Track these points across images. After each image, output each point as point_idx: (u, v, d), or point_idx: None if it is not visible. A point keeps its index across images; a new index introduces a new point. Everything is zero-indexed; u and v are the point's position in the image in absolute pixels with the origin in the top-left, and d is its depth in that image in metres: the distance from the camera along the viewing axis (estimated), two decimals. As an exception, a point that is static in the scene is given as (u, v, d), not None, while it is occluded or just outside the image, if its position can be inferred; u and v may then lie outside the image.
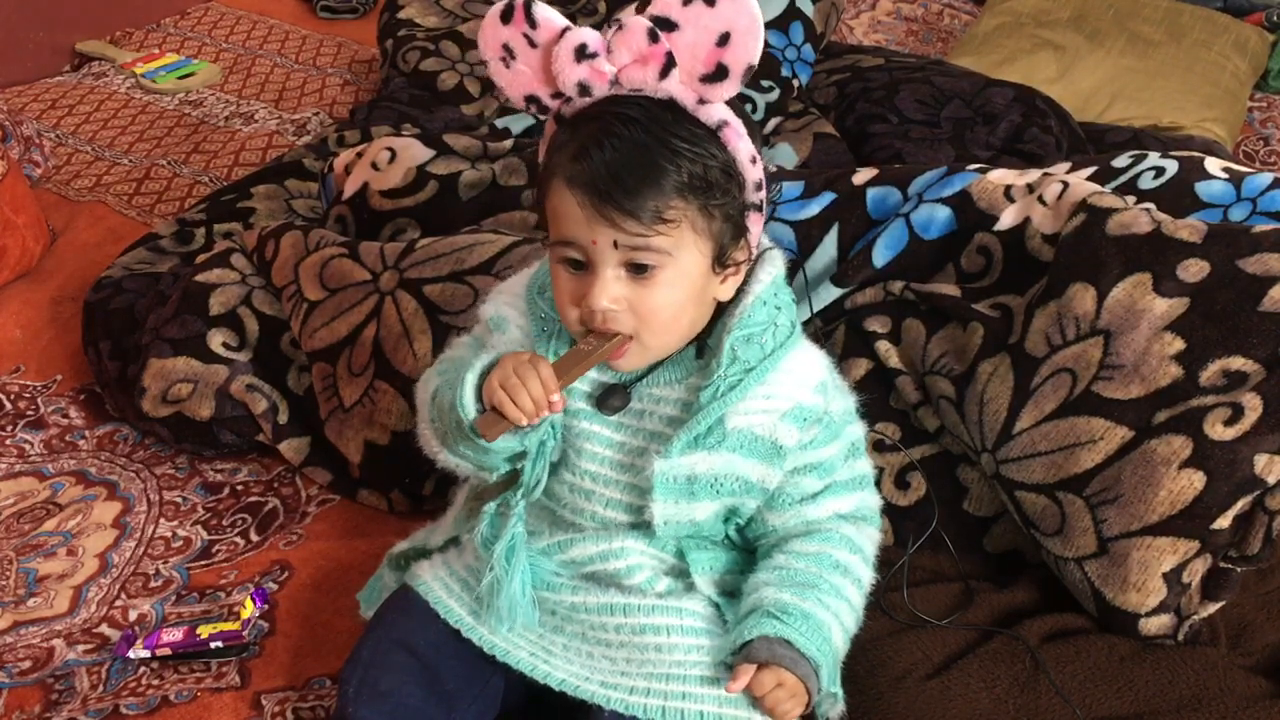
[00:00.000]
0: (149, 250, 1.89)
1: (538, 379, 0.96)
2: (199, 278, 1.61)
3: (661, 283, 0.94)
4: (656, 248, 0.92)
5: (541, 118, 0.99)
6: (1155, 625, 1.22)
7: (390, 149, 1.73)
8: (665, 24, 0.90)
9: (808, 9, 2.30)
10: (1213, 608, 1.22)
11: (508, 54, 0.95)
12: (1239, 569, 1.22)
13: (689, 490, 1.01)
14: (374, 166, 1.72)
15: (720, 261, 0.97)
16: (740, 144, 0.94)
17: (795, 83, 2.24)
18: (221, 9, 3.08)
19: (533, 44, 0.94)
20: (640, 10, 0.94)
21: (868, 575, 1.08)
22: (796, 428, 1.02)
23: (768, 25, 2.25)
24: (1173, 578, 1.19)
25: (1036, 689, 1.17)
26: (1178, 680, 1.18)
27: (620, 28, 0.91)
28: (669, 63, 0.90)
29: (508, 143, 1.80)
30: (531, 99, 0.97)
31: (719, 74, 0.91)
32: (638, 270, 0.93)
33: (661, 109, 0.92)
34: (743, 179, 0.95)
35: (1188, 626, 1.22)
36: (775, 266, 1.03)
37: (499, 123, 2.18)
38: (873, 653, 1.18)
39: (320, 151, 2.13)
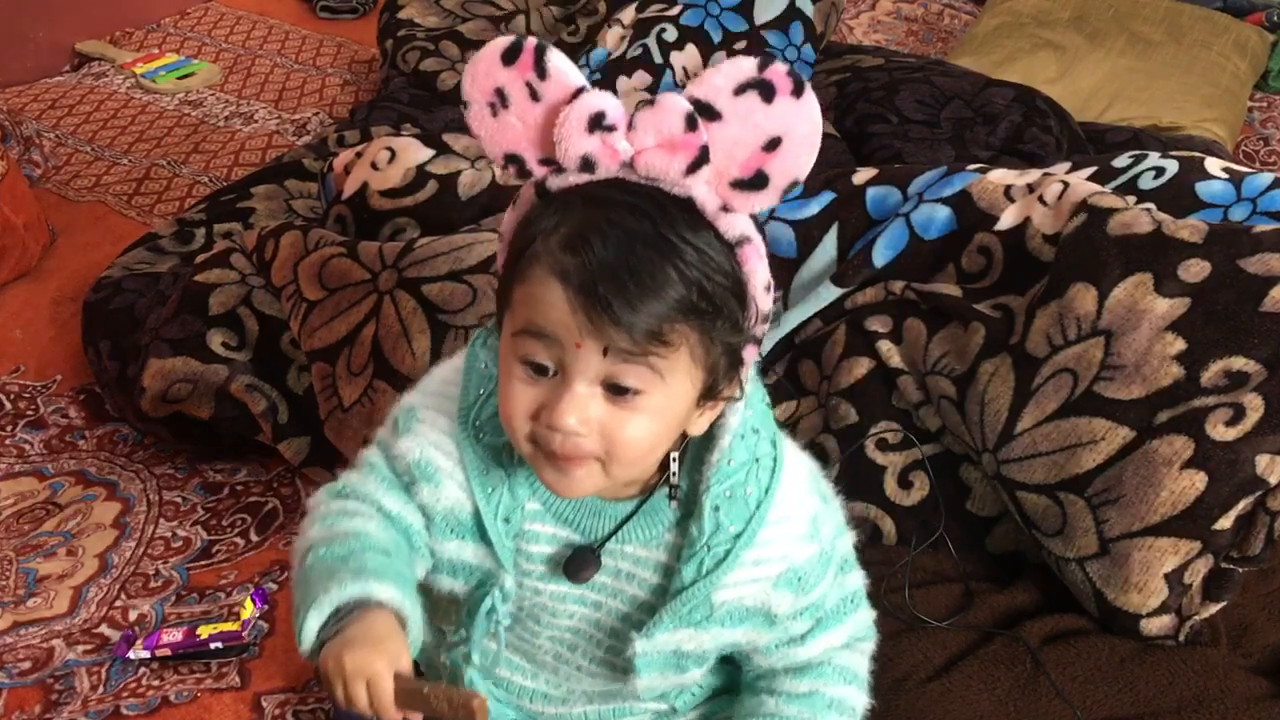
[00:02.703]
0: (149, 250, 1.89)
1: (367, 702, 0.78)
2: (199, 278, 1.61)
3: (643, 409, 0.78)
4: (650, 367, 0.76)
5: (515, 181, 0.83)
6: (1156, 626, 1.21)
7: (390, 149, 1.73)
8: (707, 111, 0.75)
9: (808, 9, 2.30)
10: (1214, 608, 1.22)
11: (499, 100, 0.79)
12: (1240, 569, 1.22)
13: (675, 663, 0.92)
14: (373, 166, 1.72)
15: (709, 394, 0.81)
16: (758, 266, 0.79)
17: (795, 83, 2.23)
18: (221, 9, 3.08)
19: (535, 96, 0.78)
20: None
21: (863, 701, 0.97)
22: (790, 592, 0.89)
23: (768, 26, 2.26)
24: (1174, 578, 1.19)
25: (1037, 690, 1.17)
26: (1178, 681, 1.18)
27: (652, 104, 0.76)
28: (701, 158, 0.75)
29: (508, 143, 1.79)
30: (513, 159, 0.80)
31: (756, 182, 0.76)
32: (617, 391, 0.77)
33: (677, 208, 0.76)
34: (754, 308, 0.80)
35: (1189, 627, 1.22)
36: (750, 383, 0.86)
37: (499, 123, 2.18)
38: (873, 655, 1.17)
39: (320, 151, 2.13)
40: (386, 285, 1.48)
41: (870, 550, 1.34)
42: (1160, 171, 1.47)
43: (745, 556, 0.86)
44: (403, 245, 1.52)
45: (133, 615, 1.36)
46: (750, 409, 0.86)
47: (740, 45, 2.24)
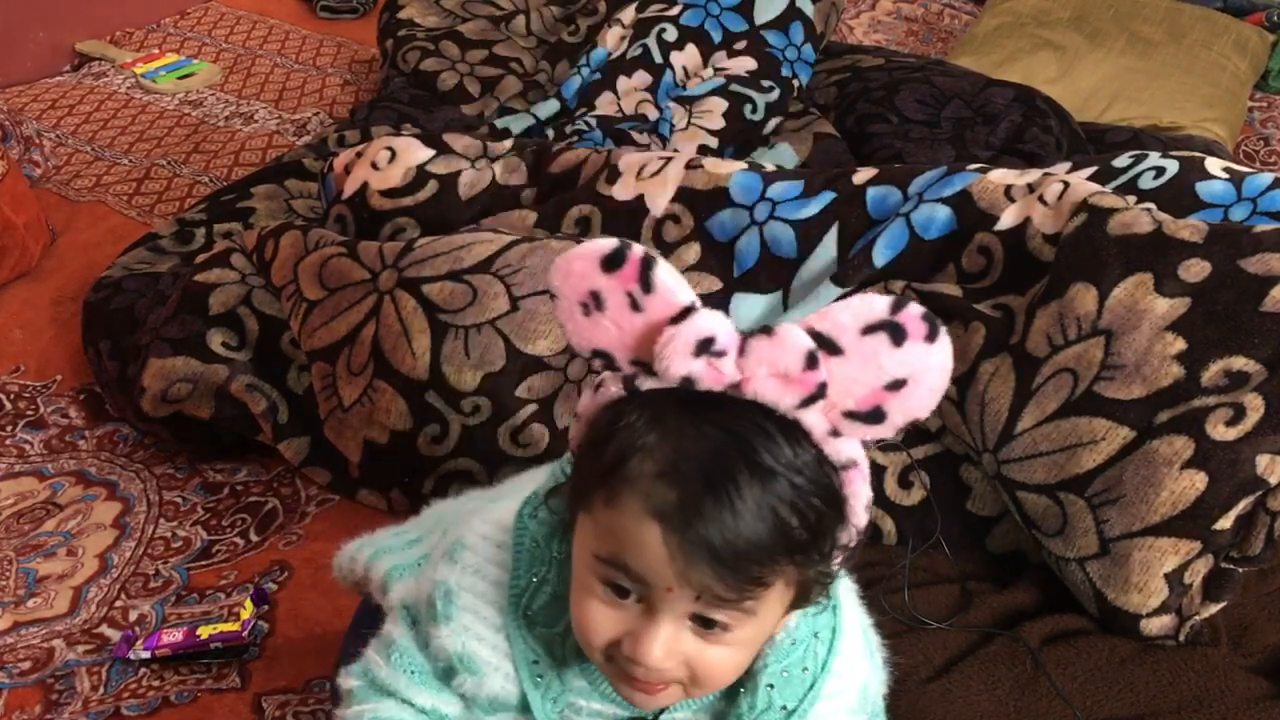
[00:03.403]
0: (149, 250, 1.89)
1: None
2: (199, 278, 1.61)
3: (732, 642, 0.74)
4: (745, 609, 0.72)
5: (598, 370, 0.77)
6: (1157, 626, 1.21)
7: (390, 148, 1.73)
8: (828, 346, 0.69)
9: (808, 9, 2.30)
10: (1214, 608, 1.22)
11: (594, 303, 0.73)
12: (1240, 569, 1.22)
13: None
14: (374, 166, 1.72)
15: (796, 606, 0.78)
16: (862, 489, 0.74)
17: (795, 83, 2.24)
18: (221, 9, 3.08)
19: (637, 307, 0.72)
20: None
21: None
22: None
23: (768, 26, 2.26)
24: (1174, 578, 1.19)
25: (1037, 690, 1.17)
26: (1178, 681, 1.18)
27: (770, 334, 0.70)
28: (818, 394, 0.70)
29: (508, 143, 1.80)
30: (602, 355, 0.74)
31: (873, 417, 0.71)
32: (706, 625, 0.73)
33: (784, 429, 0.70)
34: (852, 530, 0.75)
35: (1189, 627, 1.22)
36: None
37: (499, 123, 2.18)
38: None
39: (320, 151, 2.12)
40: (386, 285, 1.48)
41: (870, 550, 1.35)
42: (1160, 171, 1.47)
43: None
44: (403, 245, 1.52)
45: (133, 615, 1.36)
46: None
47: (740, 45, 2.24)
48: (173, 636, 1.29)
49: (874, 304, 0.69)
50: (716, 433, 0.69)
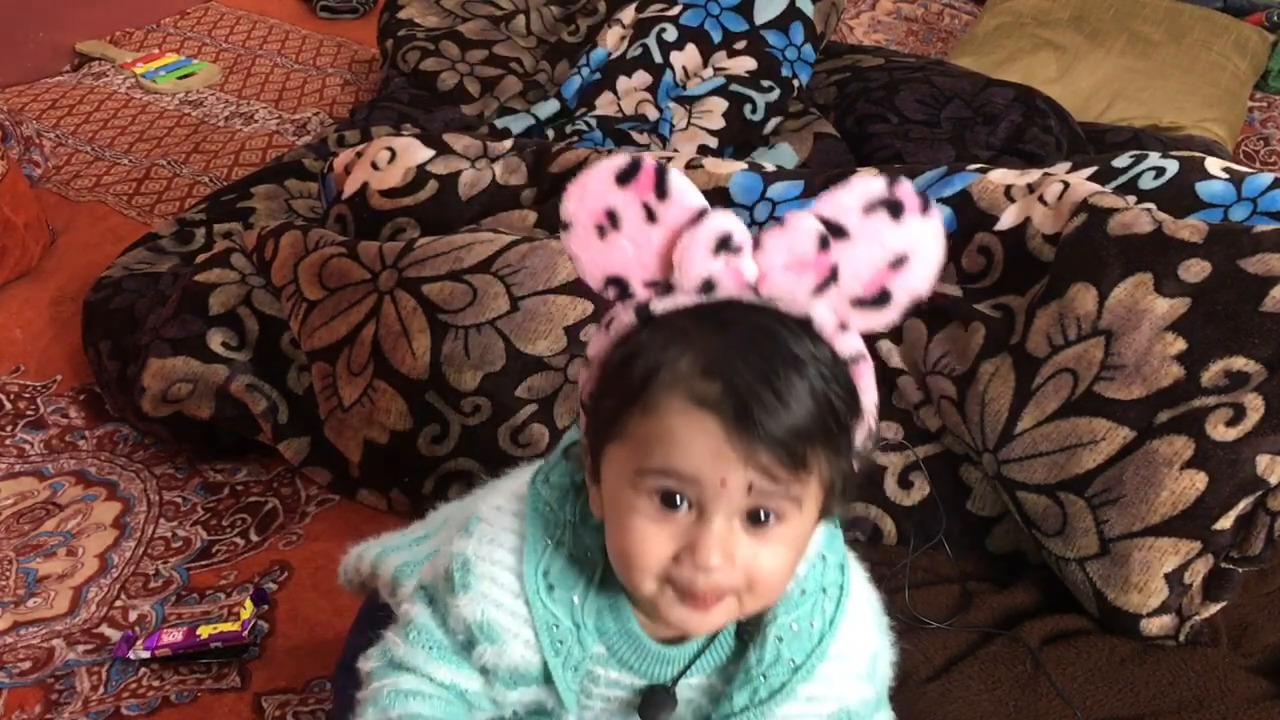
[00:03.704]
0: (149, 250, 1.89)
1: None
2: (199, 278, 1.61)
3: (779, 539, 0.75)
4: (793, 495, 0.73)
5: (609, 302, 0.78)
6: (1157, 626, 1.21)
7: (390, 149, 1.73)
8: (835, 230, 0.73)
9: (808, 9, 2.30)
10: (1214, 608, 1.22)
11: (610, 222, 0.75)
12: (1240, 569, 1.22)
13: None
14: (374, 166, 1.72)
15: (824, 513, 0.78)
16: (871, 384, 0.77)
17: (795, 83, 2.24)
18: (221, 9, 3.08)
19: (653, 217, 0.75)
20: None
21: None
22: None
23: (768, 26, 2.26)
24: (1174, 578, 1.19)
25: (1037, 690, 1.17)
26: (1178, 681, 1.18)
27: (781, 224, 0.73)
28: (831, 278, 0.73)
29: (507, 143, 1.80)
30: (616, 281, 0.76)
31: (879, 300, 0.75)
32: (756, 521, 0.74)
33: (797, 325, 0.73)
34: (866, 426, 0.78)
35: (1189, 627, 1.22)
36: None
37: (499, 123, 2.18)
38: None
39: (320, 151, 2.13)
40: (386, 285, 1.48)
41: (870, 550, 1.35)
42: (1160, 171, 1.47)
43: (801, 690, 0.83)
44: (403, 245, 1.52)
45: (133, 615, 1.36)
46: (826, 538, 0.84)
47: (740, 45, 2.24)
48: (173, 636, 1.29)
49: (871, 183, 0.74)
50: (743, 329, 0.72)
